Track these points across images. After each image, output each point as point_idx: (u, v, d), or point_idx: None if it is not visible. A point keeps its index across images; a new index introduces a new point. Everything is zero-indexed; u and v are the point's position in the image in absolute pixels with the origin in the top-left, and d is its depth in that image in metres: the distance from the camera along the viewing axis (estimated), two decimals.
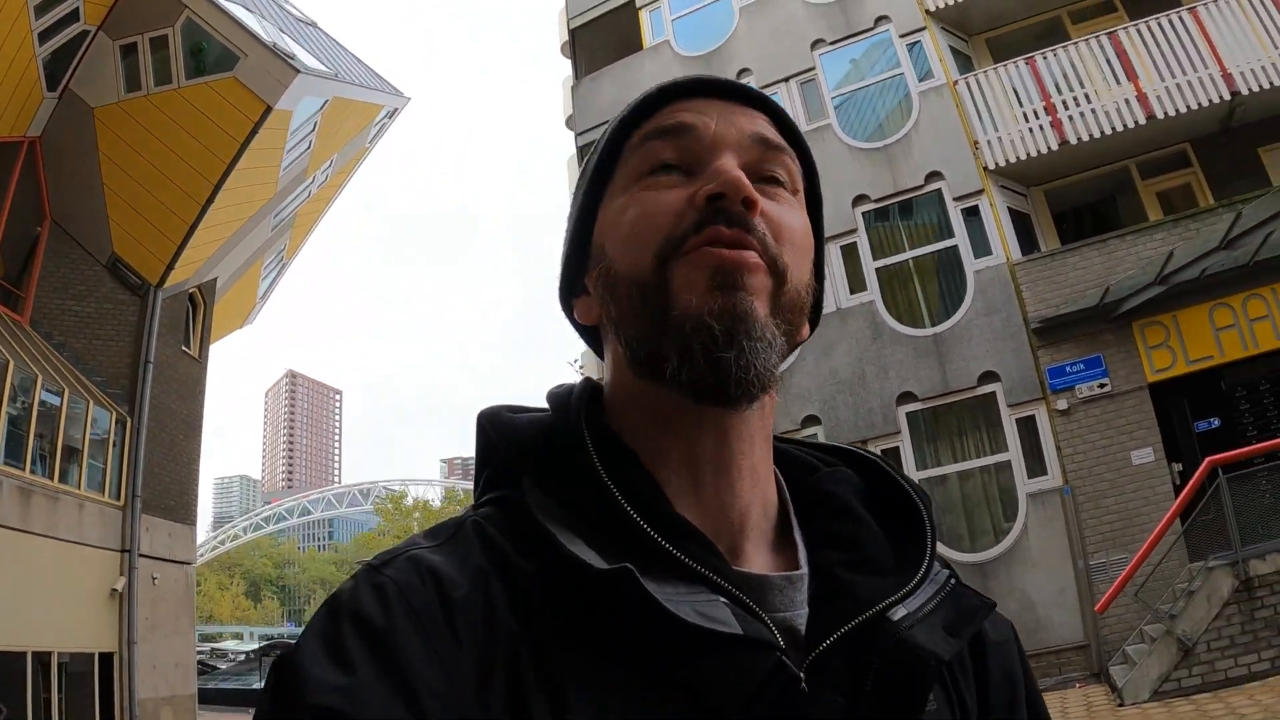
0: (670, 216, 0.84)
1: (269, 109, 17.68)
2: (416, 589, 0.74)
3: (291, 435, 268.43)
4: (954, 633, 0.86)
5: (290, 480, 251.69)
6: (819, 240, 0.98)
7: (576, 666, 0.73)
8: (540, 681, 0.72)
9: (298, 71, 17.82)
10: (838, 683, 0.79)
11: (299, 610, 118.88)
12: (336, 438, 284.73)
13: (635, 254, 0.86)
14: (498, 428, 0.94)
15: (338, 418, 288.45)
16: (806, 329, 0.93)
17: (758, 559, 0.89)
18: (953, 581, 0.92)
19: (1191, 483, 12.09)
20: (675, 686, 0.73)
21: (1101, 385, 14.40)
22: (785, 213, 0.89)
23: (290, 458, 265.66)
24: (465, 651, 0.72)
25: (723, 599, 0.77)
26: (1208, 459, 12.01)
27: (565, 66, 23.17)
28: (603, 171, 0.94)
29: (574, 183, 15.04)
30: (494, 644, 0.73)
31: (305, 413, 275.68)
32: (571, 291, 1.00)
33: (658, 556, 0.78)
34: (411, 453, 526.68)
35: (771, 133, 0.91)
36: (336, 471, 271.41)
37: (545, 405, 0.96)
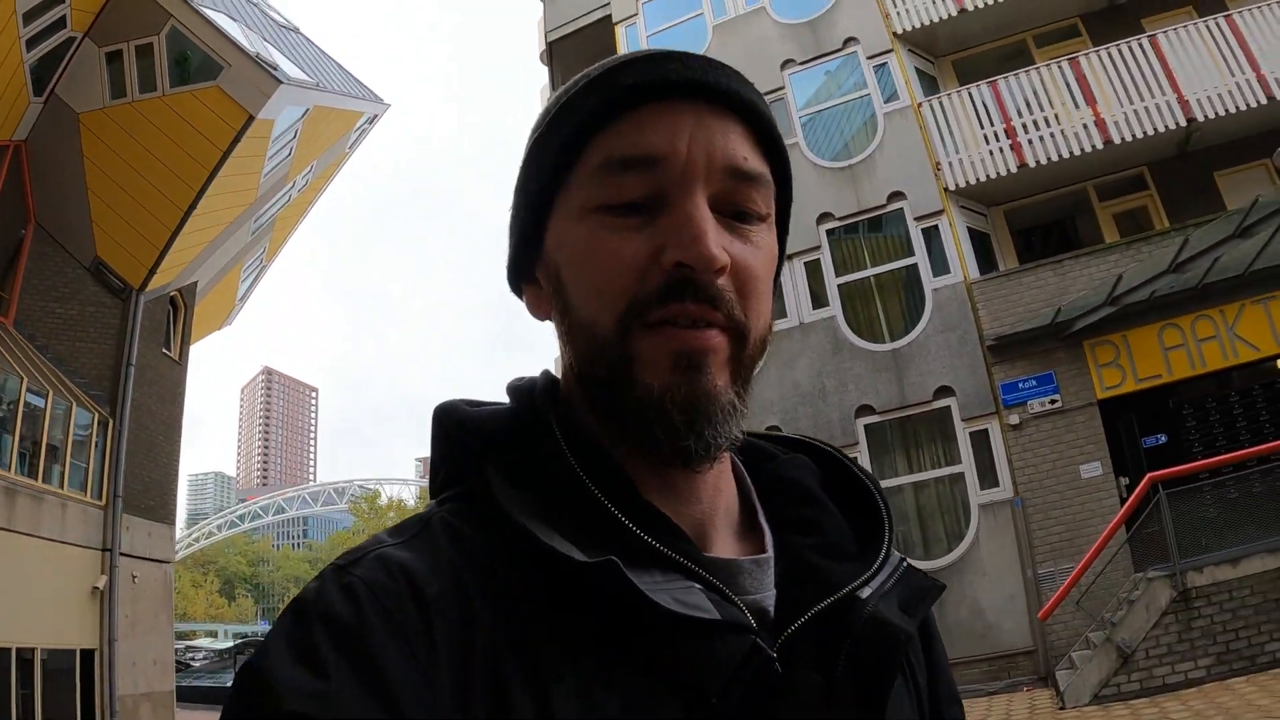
0: (633, 274, 0.81)
1: (251, 118, 17.87)
2: (387, 587, 0.72)
3: (267, 432, 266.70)
4: (908, 612, 0.88)
5: (265, 478, 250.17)
6: (783, 235, 0.96)
7: (558, 658, 0.73)
8: (522, 676, 0.71)
9: (280, 82, 18.03)
10: (808, 661, 0.80)
11: (273, 609, 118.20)
12: (312, 435, 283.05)
13: (596, 309, 0.83)
14: (457, 421, 0.92)
15: (314, 415, 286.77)
16: (772, 324, 0.91)
17: (725, 544, 0.89)
18: (905, 563, 0.93)
19: (1132, 498, 12.55)
20: (656, 672, 0.74)
21: (1053, 401, 14.85)
22: (752, 255, 0.85)
23: (265, 455, 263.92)
24: (442, 649, 0.70)
25: (697, 585, 0.78)
26: (1148, 475, 12.47)
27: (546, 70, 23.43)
28: (560, 166, 0.88)
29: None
30: (471, 640, 0.72)
31: (281, 410, 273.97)
32: (520, 274, 0.97)
33: (633, 545, 0.78)
34: (387, 451, 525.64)
35: (747, 156, 0.85)
36: (312, 469, 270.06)
37: (500, 400, 0.96)
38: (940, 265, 16.19)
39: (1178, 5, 17.72)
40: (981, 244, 16.71)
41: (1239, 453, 13.22)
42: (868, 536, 0.93)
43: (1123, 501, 13.38)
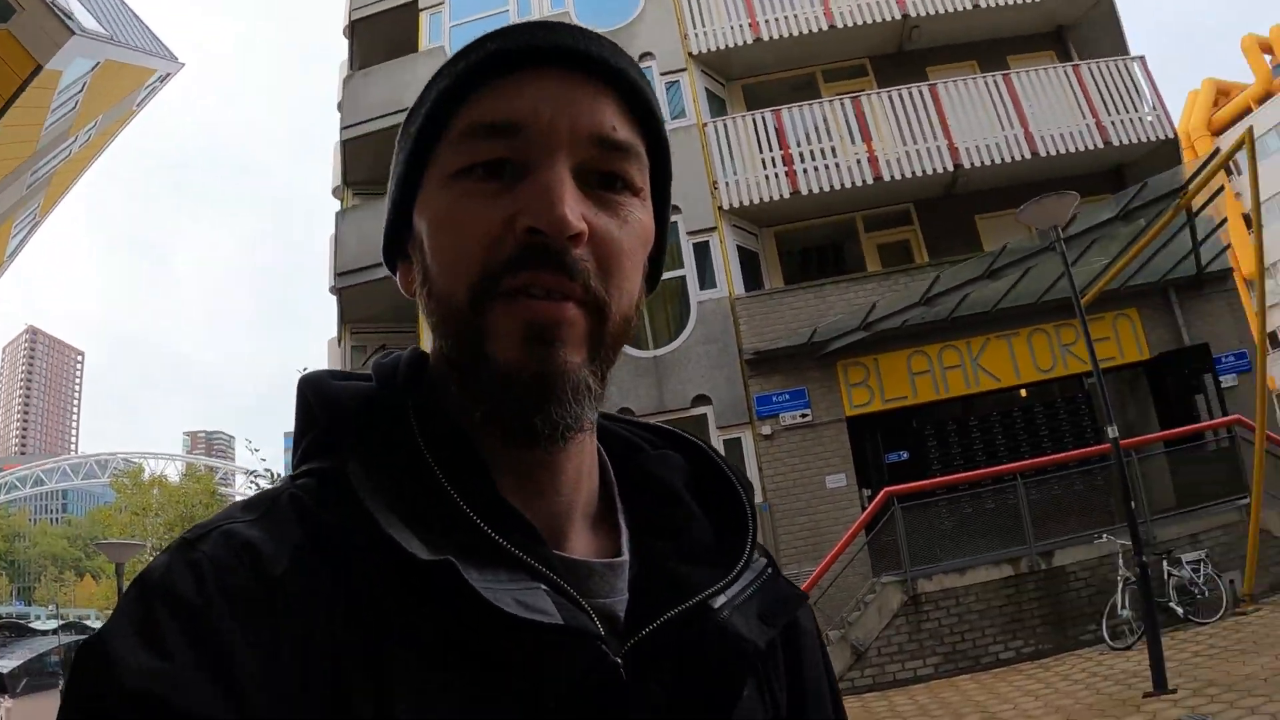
0: (486, 243, 0.78)
1: (39, 67, 17.18)
2: (232, 567, 0.70)
3: (28, 398, 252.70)
4: (768, 621, 0.85)
5: (24, 446, 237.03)
6: (664, 217, 0.92)
7: (398, 654, 0.70)
8: (361, 667, 0.69)
9: (73, 32, 17.41)
10: (654, 670, 0.78)
11: (28, 588, 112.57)
12: (76, 403, 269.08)
13: (450, 279, 0.81)
14: (319, 394, 0.88)
15: (78, 381, 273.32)
16: (641, 305, 0.88)
17: (580, 543, 0.87)
18: (769, 570, 0.91)
19: (870, 509, 13.57)
20: (497, 676, 0.72)
21: (803, 415, 15.76)
22: (617, 229, 0.82)
23: (25, 422, 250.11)
24: (285, 634, 0.68)
25: (543, 586, 0.75)
26: (885, 489, 13.46)
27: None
28: (426, 136, 0.85)
29: (340, 172, 15.07)
30: (315, 627, 0.70)
31: (44, 374, 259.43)
32: (395, 251, 0.93)
33: (480, 541, 0.76)
34: (153, 424, 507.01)
35: (615, 126, 0.83)
36: (73, 440, 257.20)
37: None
38: (708, 279, 16.82)
39: (962, 59, 19.09)
40: (750, 262, 17.43)
41: (973, 473, 14.37)
42: (730, 539, 0.90)
43: (864, 511, 14.23)
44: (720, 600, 0.83)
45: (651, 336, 16.82)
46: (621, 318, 0.82)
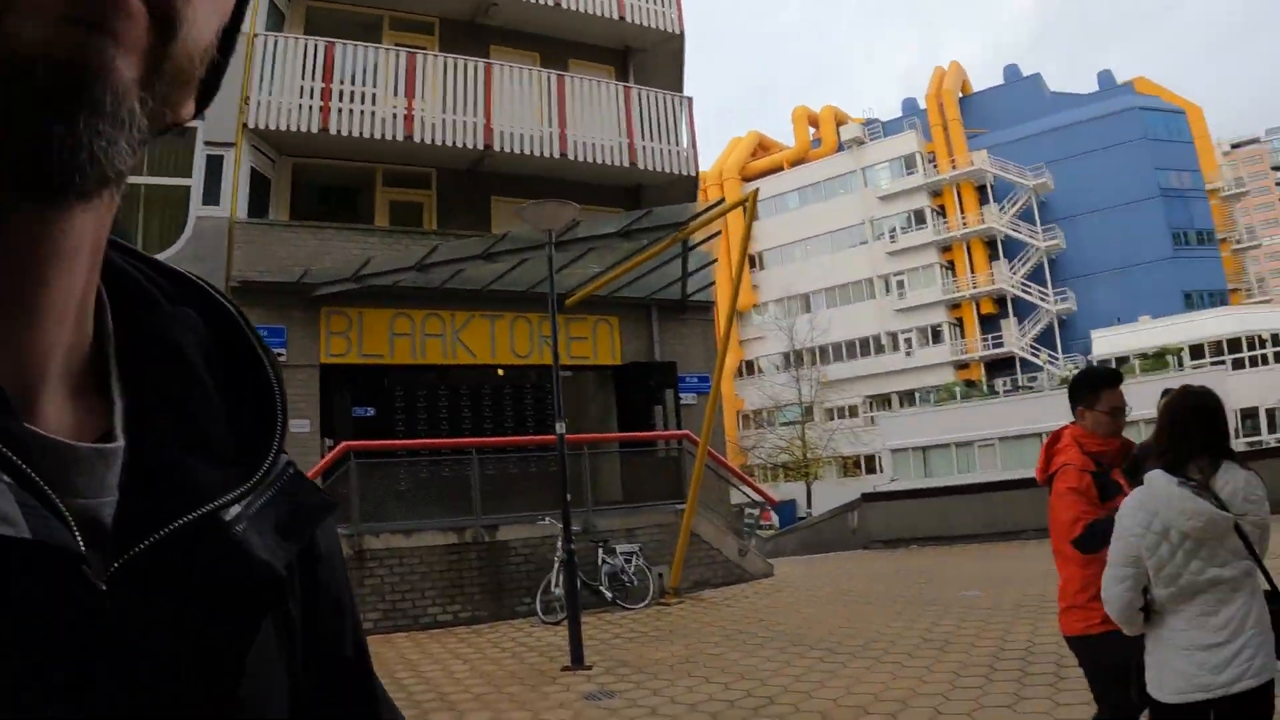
0: None
1: None
2: None
3: None
4: (287, 535, 0.69)
5: None
6: (241, 7, 0.69)
7: None
8: None
9: None
10: (150, 594, 0.59)
11: None
12: None
13: None
14: None
15: None
16: (190, 108, 0.64)
17: (56, 414, 0.61)
18: (291, 471, 0.72)
19: (326, 459, 13.82)
20: None
21: (278, 354, 15.51)
22: None
23: None
24: None
25: (5, 478, 0.51)
26: (344, 443, 13.81)
27: None
28: None
29: None
30: None
31: None
32: None
33: None
34: None
35: None
36: None
37: None
38: (213, 196, 16.18)
39: (527, 48, 19.73)
40: (260, 187, 17.05)
41: (434, 441, 15.07)
42: (253, 433, 0.71)
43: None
44: (234, 510, 0.64)
45: (141, 243, 15.63)
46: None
